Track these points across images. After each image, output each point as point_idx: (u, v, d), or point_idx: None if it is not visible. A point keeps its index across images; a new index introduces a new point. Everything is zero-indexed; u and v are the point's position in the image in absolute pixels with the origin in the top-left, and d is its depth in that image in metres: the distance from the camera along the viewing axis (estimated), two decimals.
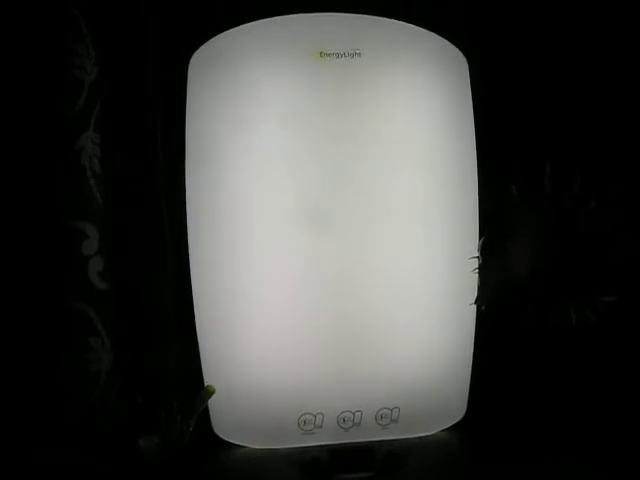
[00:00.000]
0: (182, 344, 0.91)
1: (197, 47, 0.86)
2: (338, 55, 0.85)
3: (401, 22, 0.88)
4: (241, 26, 0.85)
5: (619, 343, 0.92)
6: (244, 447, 0.89)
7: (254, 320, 0.87)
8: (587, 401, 0.91)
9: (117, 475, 0.81)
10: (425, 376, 0.90)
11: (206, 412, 0.88)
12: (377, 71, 0.86)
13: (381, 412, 0.89)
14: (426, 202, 0.89)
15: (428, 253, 0.89)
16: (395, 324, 0.89)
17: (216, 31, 0.86)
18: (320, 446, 0.88)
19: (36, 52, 0.80)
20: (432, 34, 0.89)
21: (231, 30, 0.86)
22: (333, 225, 0.87)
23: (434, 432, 0.92)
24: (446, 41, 0.90)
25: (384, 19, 0.87)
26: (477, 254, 0.88)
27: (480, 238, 0.89)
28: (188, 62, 0.87)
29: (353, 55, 0.85)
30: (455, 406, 0.93)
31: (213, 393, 0.85)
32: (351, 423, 0.88)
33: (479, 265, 0.88)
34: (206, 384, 0.87)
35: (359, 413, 0.89)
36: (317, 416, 0.87)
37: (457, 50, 0.90)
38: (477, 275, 0.88)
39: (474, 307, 0.90)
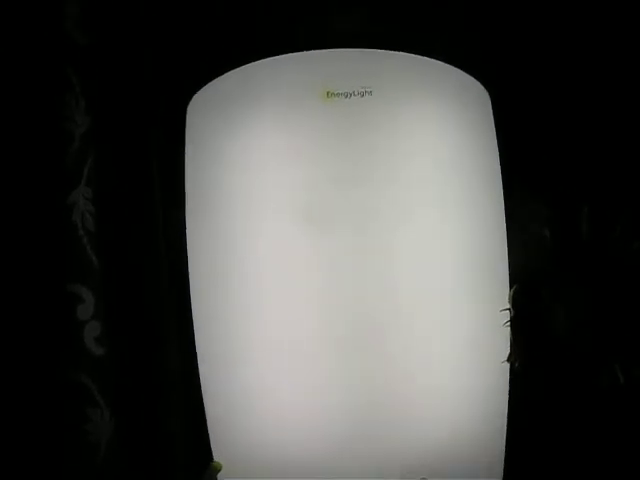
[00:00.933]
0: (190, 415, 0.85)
1: (195, 91, 0.82)
2: (347, 94, 0.80)
3: (415, 55, 0.82)
4: (241, 67, 0.81)
5: None
6: None
7: (265, 383, 0.81)
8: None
9: None
10: (453, 442, 0.83)
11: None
12: (390, 110, 0.81)
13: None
14: (450, 249, 0.83)
15: (455, 307, 0.83)
16: (420, 385, 0.82)
17: (215, 73, 0.82)
18: None
19: (19, 103, 0.75)
20: (450, 67, 0.84)
21: (231, 72, 0.82)
22: (350, 280, 0.80)
23: None
24: (466, 74, 0.84)
25: (396, 53, 0.82)
26: (508, 306, 0.81)
27: (511, 288, 0.82)
28: (186, 107, 0.83)
29: (363, 94, 0.80)
30: (488, 476, 0.85)
31: (219, 470, 0.79)
32: None
33: (511, 318, 0.80)
34: (214, 461, 0.81)
35: None
36: None
37: (478, 84, 0.85)
38: (509, 329, 0.80)
39: (506, 365, 0.82)
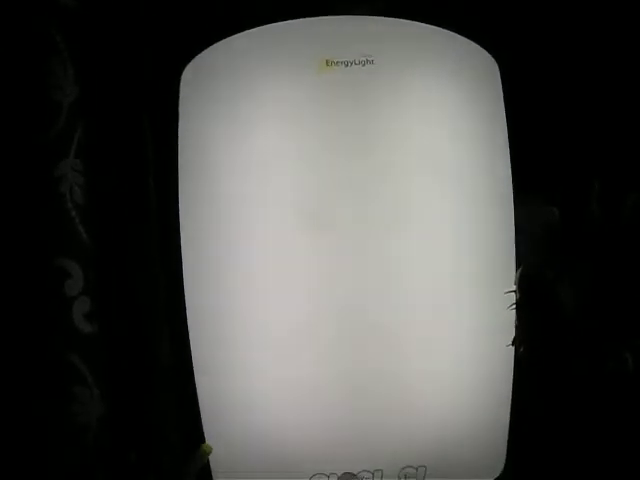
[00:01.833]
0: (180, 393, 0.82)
1: (190, 58, 0.79)
2: (347, 63, 0.77)
3: (420, 23, 0.79)
4: (237, 34, 0.78)
5: None
6: None
7: (260, 368, 0.79)
8: None
9: None
10: (455, 430, 0.81)
11: (208, 472, 0.81)
12: (392, 80, 0.78)
13: (405, 471, 0.80)
14: (454, 225, 0.80)
15: (457, 287, 0.81)
16: (420, 371, 0.80)
17: (211, 41, 0.79)
18: None
19: (3, 70, 0.72)
20: (456, 36, 0.80)
21: (227, 39, 0.79)
22: (350, 264, 0.78)
23: None
24: (473, 43, 0.81)
25: (399, 20, 0.79)
26: (513, 288, 0.78)
27: (517, 269, 0.80)
28: (180, 75, 0.80)
29: (364, 63, 0.77)
30: (490, 464, 0.83)
31: (209, 453, 0.77)
32: None
33: (516, 301, 0.78)
34: (204, 443, 0.79)
35: (379, 472, 0.80)
36: (330, 477, 0.79)
37: (486, 53, 0.81)
38: (514, 312, 0.78)
39: (511, 349, 0.80)
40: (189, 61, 0.80)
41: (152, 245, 0.81)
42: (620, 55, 0.83)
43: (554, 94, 0.83)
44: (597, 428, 0.81)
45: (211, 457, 0.79)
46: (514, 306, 0.78)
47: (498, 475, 0.83)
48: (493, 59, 0.81)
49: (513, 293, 0.78)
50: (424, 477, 0.80)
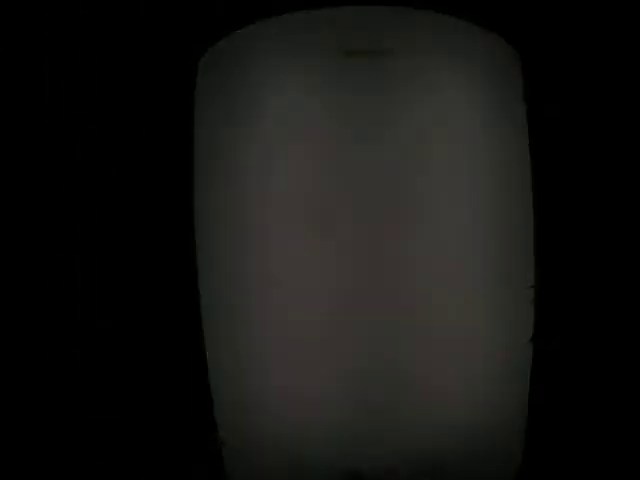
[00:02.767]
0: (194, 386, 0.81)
1: (206, 49, 0.77)
2: (367, 53, 0.74)
3: (442, 14, 0.77)
4: (253, 24, 0.76)
5: None
6: None
7: (273, 360, 0.77)
8: None
9: None
10: (472, 423, 0.79)
11: (220, 462, 0.80)
12: (413, 72, 0.75)
13: (422, 467, 0.78)
14: (473, 218, 0.78)
15: (474, 278, 0.78)
16: (437, 366, 0.78)
17: (226, 31, 0.77)
18: None
19: None
20: (479, 28, 0.78)
21: (243, 29, 0.76)
22: (366, 251, 0.76)
23: None
24: (497, 36, 0.79)
25: (420, 10, 0.76)
26: (534, 282, 0.77)
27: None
28: (196, 65, 0.78)
29: (385, 53, 0.75)
30: (508, 458, 0.82)
31: (223, 445, 0.75)
32: None
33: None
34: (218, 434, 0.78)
35: (394, 470, 0.78)
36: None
37: (510, 47, 0.79)
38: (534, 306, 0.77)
39: (530, 346, 0.79)
40: (205, 51, 0.78)
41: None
42: None
43: (576, 87, 0.82)
44: (617, 428, 0.80)
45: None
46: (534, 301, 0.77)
47: (514, 474, 0.81)
48: (516, 52, 0.79)
49: (534, 288, 0.77)
50: (441, 473, 0.79)
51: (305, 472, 0.78)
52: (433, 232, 0.77)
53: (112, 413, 0.80)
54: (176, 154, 0.80)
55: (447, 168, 0.76)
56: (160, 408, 0.82)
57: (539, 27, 0.81)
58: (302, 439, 0.77)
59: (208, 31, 0.78)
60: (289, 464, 0.78)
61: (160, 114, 0.80)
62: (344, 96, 0.74)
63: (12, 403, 0.76)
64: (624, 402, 0.81)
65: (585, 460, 0.81)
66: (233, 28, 0.76)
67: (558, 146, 0.81)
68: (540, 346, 0.78)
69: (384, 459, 0.77)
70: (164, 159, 0.81)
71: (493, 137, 0.77)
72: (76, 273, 0.78)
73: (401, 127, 0.75)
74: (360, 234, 0.76)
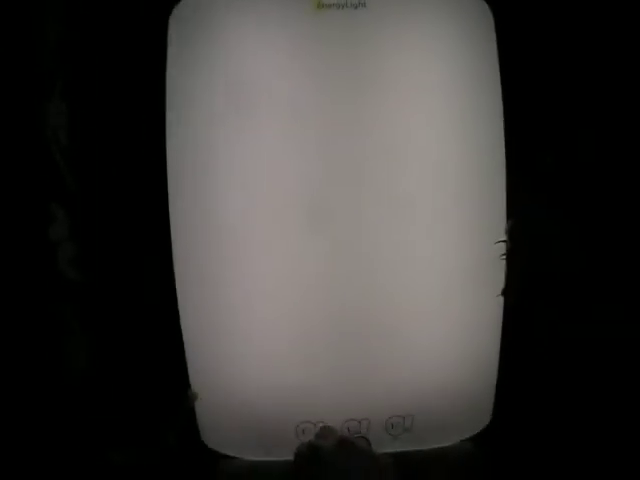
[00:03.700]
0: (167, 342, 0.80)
1: (178, 1, 0.76)
2: (339, 5, 0.74)
3: None
4: None
5: None
6: (235, 458, 0.81)
7: (245, 316, 0.77)
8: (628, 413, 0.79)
9: None
10: (443, 378, 0.80)
11: (193, 419, 0.80)
12: (385, 25, 0.75)
13: (392, 420, 0.80)
14: (445, 174, 0.78)
15: (445, 235, 0.78)
16: (408, 319, 0.79)
17: None
18: None
19: None
20: None
21: None
22: (337, 204, 0.76)
23: (454, 443, 0.82)
24: None
25: None
26: (504, 237, 0.77)
27: (508, 219, 0.78)
28: (168, 18, 0.76)
29: (357, 5, 0.74)
30: (478, 413, 0.83)
31: (196, 399, 0.75)
32: (357, 433, 0.78)
33: (507, 250, 0.77)
34: (190, 389, 0.78)
35: (366, 421, 0.79)
36: (317, 425, 0.77)
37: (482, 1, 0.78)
38: (504, 262, 0.78)
39: (501, 299, 0.79)
40: (176, 4, 0.77)
41: (141, 188, 0.80)
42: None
43: (549, 42, 0.82)
44: (586, 381, 0.81)
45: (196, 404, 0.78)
46: (504, 256, 0.77)
47: (484, 426, 0.82)
48: (488, 6, 0.79)
49: (504, 243, 0.77)
50: (411, 425, 0.79)
51: (272, 426, 0.78)
52: (408, 175, 0.77)
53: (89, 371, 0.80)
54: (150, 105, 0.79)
55: (423, 118, 0.76)
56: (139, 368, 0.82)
57: None
58: (268, 394, 0.78)
59: None
60: (256, 419, 0.78)
61: (132, 65, 0.78)
62: (316, 48, 0.74)
63: None
64: (594, 358, 0.82)
65: (555, 417, 0.82)
66: None
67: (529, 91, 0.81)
68: (510, 301, 0.78)
69: (354, 413, 0.78)
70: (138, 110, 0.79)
71: (465, 87, 0.77)
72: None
73: (374, 78, 0.75)
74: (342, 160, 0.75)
